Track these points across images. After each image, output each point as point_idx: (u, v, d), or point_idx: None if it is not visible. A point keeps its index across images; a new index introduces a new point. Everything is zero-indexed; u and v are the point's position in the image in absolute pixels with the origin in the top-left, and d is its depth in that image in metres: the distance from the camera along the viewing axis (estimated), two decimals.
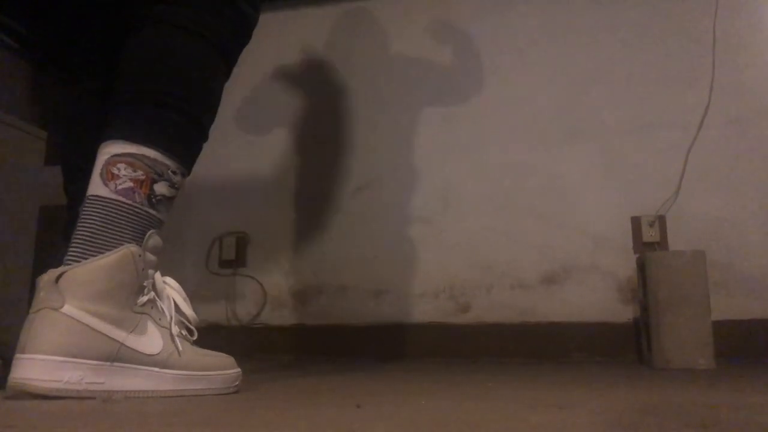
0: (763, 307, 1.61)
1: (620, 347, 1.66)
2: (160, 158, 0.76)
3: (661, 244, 1.71)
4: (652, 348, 1.44)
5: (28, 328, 0.67)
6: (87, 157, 0.78)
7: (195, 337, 0.81)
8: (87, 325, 0.68)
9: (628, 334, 1.66)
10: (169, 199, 0.79)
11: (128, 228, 0.74)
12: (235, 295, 2.00)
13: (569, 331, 1.71)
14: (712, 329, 1.38)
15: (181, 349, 0.76)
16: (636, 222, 1.74)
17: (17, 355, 0.66)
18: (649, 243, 1.71)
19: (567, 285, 1.76)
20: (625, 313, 1.69)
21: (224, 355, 0.82)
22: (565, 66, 1.89)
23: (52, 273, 0.69)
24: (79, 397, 0.66)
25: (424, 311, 1.84)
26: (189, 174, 0.84)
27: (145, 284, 0.75)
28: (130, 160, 0.74)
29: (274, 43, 2.12)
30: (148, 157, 0.75)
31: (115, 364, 0.69)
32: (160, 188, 0.77)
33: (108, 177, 0.73)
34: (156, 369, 0.73)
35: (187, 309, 0.80)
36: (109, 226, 0.73)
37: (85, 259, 0.71)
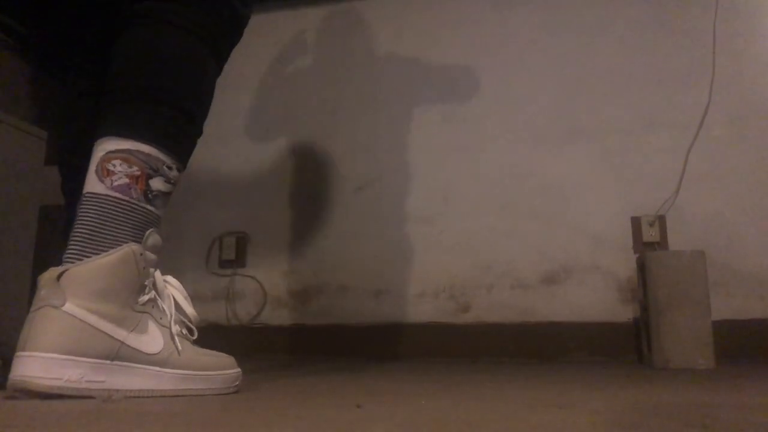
0: (763, 307, 1.61)
1: (620, 347, 1.66)
2: (155, 153, 0.76)
3: (661, 244, 1.71)
4: (652, 348, 1.45)
5: (29, 326, 0.67)
6: (84, 155, 0.78)
7: (195, 337, 0.81)
8: (88, 324, 0.68)
9: (628, 334, 1.66)
10: (165, 195, 0.79)
11: (126, 224, 0.74)
12: (234, 295, 2.00)
13: (569, 331, 1.71)
14: (711, 329, 1.39)
15: (181, 348, 0.76)
16: (636, 222, 1.74)
17: (18, 353, 0.66)
18: (649, 243, 1.71)
19: (567, 285, 1.76)
20: (625, 313, 1.69)
21: (224, 354, 0.82)
22: (565, 66, 1.89)
23: (53, 271, 0.68)
24: (79, 395, 0.66)
25: (424, 311, 1.84)
26: (184, 169, 0.84)
27: (146, 283, 0.75)
28: (125, 156, 0.74)
29: (273, 43, 2.13)
30: (142, 153, 0.75)
31: (116, 362, 0.69)
32: (156, 184, 0.77)
33: (104, 173, 0.73)
34: (156, 368, 0.73)
35: (188, 307, 0.80)
36: (108, 224, 0.72)
37: (85, 257, 0.71)
